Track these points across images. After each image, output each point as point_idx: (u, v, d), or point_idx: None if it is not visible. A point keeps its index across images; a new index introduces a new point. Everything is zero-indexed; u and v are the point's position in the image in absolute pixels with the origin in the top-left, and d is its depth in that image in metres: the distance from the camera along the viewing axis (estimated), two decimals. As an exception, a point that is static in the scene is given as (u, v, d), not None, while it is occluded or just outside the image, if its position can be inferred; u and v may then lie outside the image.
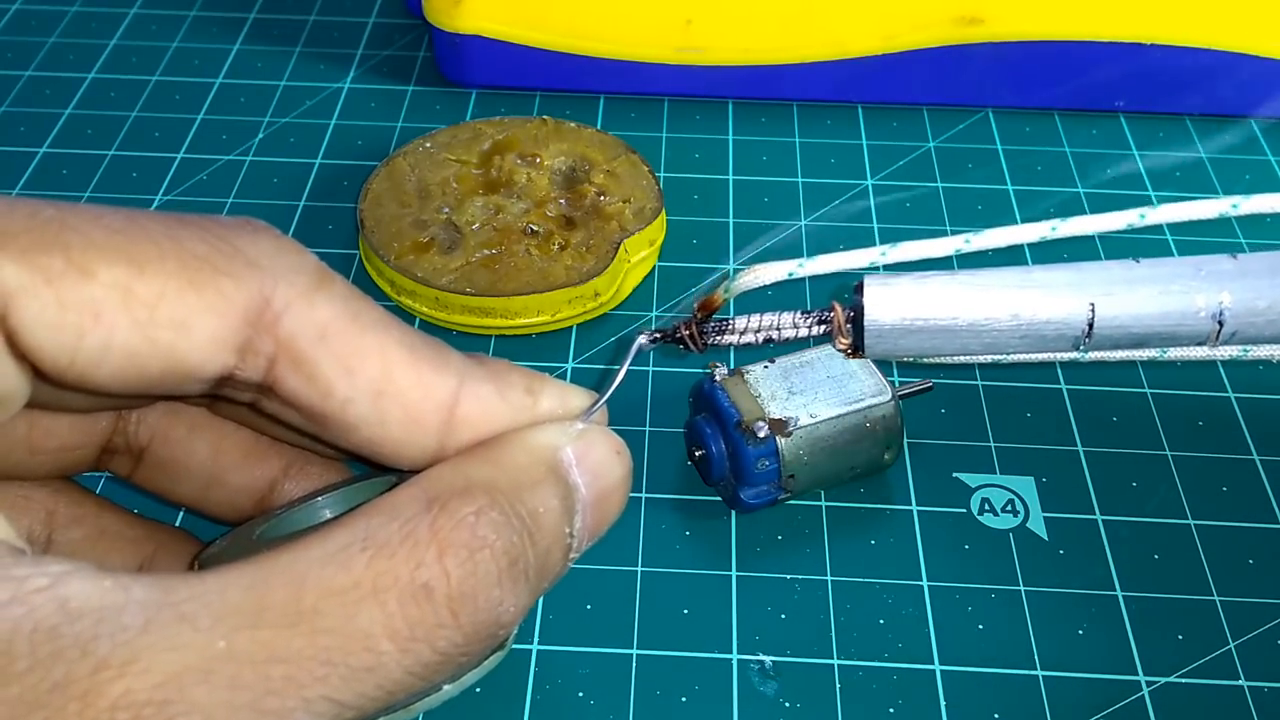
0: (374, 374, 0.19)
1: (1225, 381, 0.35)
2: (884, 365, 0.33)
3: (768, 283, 0.23)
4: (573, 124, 0.41)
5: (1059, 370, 0.35)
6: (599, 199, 0.38)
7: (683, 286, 0.38)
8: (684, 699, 0.27)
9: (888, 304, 0.22)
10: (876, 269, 0.24)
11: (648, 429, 0.33)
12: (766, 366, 0.31)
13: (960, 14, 0.42)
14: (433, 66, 0.47)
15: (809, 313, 0.23)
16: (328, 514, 0.23)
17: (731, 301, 0.23)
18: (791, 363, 0.31)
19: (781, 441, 0.29)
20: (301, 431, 0.20)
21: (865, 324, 0.22)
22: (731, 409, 0.30)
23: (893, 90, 0.44)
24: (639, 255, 0.37)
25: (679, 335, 0.24)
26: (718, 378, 0.30)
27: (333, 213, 0.40)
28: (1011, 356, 0.24)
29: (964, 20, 0.42)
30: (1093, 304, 0.22)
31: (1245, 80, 0.43)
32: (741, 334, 0.24)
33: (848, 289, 0.23)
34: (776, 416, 0.29)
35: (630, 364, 0.23)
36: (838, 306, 0.23)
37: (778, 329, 0.23)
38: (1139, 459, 0.33)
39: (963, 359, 0.24)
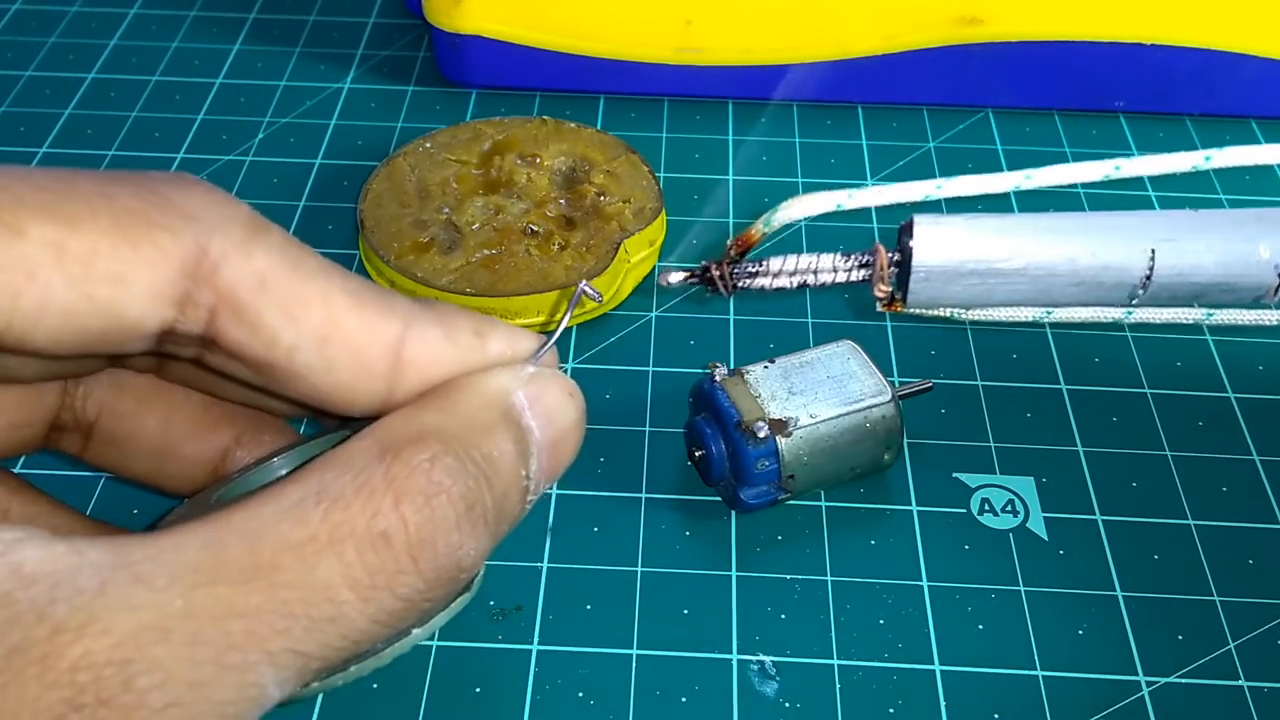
0: (317, 320, 0.19)
1: (1225, 382, 0.35)
2: (884, 365, 0.33)
3: (813, 214, 0.22)
4: (573, 124, 0.41)
5: (1059, 370, 0.35)
6: (599, 199, 0.38)
7: (683, 287, 0.38)
8: (684, 699, 0.27)
9: (938, 243, 0.21)
10: (931, 204, 0.23)
11: (648, 429, 0.33)
12: (766, 367, 0.31)
13: (960, 14, 0.42)
14: (433, 66, 0.47)
15: (850, 254, 0.22)
16: (283, 473, 0.22)
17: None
18: (791, 363, 0.31)
19: (781, 441, 0.29)
20: (250, 386, 0.20)
21: (913, 265, 0.21)
22: (731, 409, 0.30)
23: (893, 90, 0.44)
24: (639, 255, 0.37)
25: (709, 275, 0.23)
26: (717, 378, 0.30)
27: (333, 213, 0.40)
28: (1056, 314, 0.23)
29: (964, 20, 0.42)
30: (1153, 250, 0.21)
31: (1245, 80, 0.43)
32: (775, 276, 0.22)
33: (890, 238, 0.22)
34: (776, 416, 0.29)
35: (573, 309, 0.22)
36: (881, 248, 0.22)
37: (815, 272, 0.22)
38: (1139, 459, 0.33)
39: (1004, 315, 0.23)
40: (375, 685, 0.28)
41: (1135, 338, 0.36)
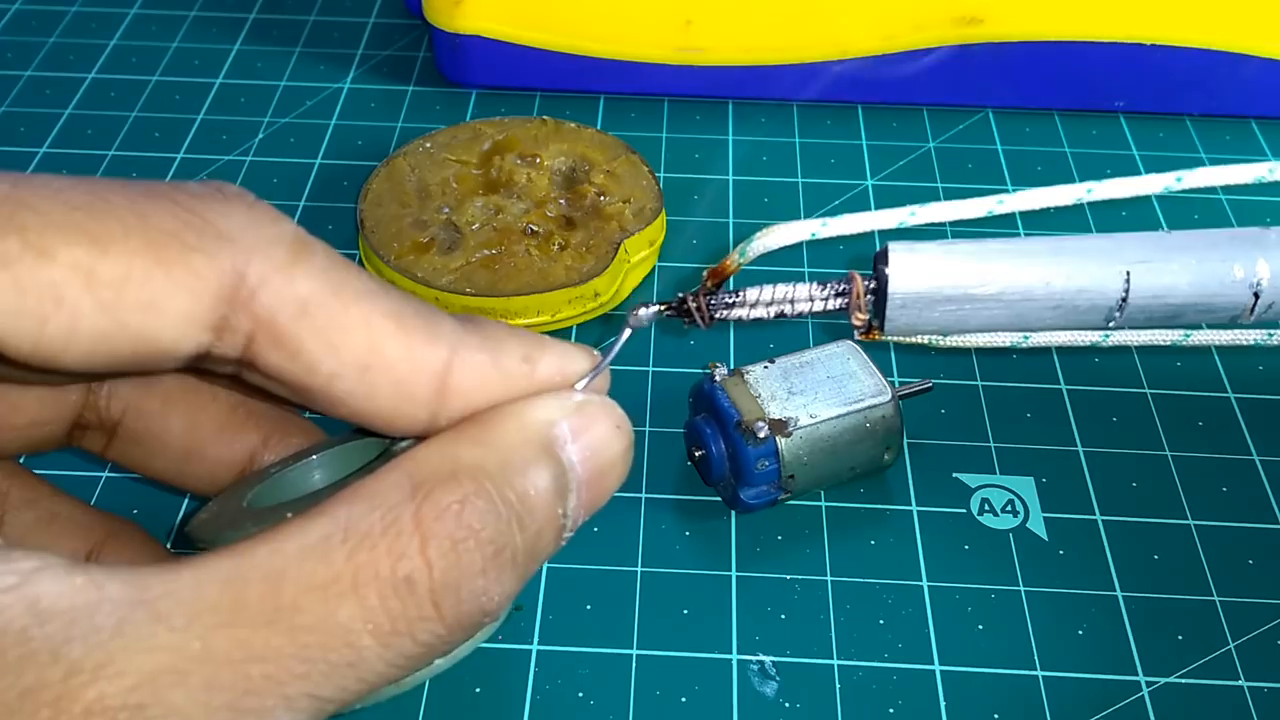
0: (359, 348, 0.18)
1: (1225, 382, 0.35)
2: (884, 365, 0.33)
3: (787, 244, 0.22)
4: (573, 124, 0.41)
5: (1059, 370, 0.35)
6: (599, 199, 0.38)
7: (683, 286, 0.38)
8: (684, 699, 0.27)
9: (913, 271, 0.21)
10: (903, 231, 0.23)
11: (648, 429, 0.33)
12: (766, 367, 0.31)
13: (960, 14, 0.42)
14: (433, 66, 0.47)
15: (826, 283, 0.22)
16: (318, 476, 0.22)
17: (729, 284, 0.22)
18: (791, 363, 0.31)
19: (781, 442, 0.29)
20: (287, 400, 0.20)
21: (889, 292, 0.21)
22: (731, 409, 0.30)
23: (893, 90, 0.44)
24: (639, 255, 0.37)
25: (685, 307, 0.23)
26: (717, 378, 0.30)
27: (333, 213, 0.40)
28: (1033, 338, 0.23)
29: (964, 20, 0.42)
30: (1128, 272, 0.21)
31: (1245, 80, 0.43)
32: (752, 306, 0.22)
33: (866, 261, 0.22)
34: (776, 417, 0.29)
35: (628, 335, 0.22)
36: (857, 277, 0.22)
37: (791, 301, 0.22)
38: (1139, 459, 0.33)
39: (982, 341, 0.23)
40: (375, 685, 0.28)
41: (1135, 338, 0.36)
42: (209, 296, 0.17)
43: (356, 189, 0.40)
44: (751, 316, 0.22)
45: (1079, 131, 0.44)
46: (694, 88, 0.45)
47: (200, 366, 0.19)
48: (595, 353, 0.21)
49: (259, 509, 0.20)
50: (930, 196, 0.41)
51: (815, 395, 0.30)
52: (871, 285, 0.22)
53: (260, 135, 0.43)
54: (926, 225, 0.23)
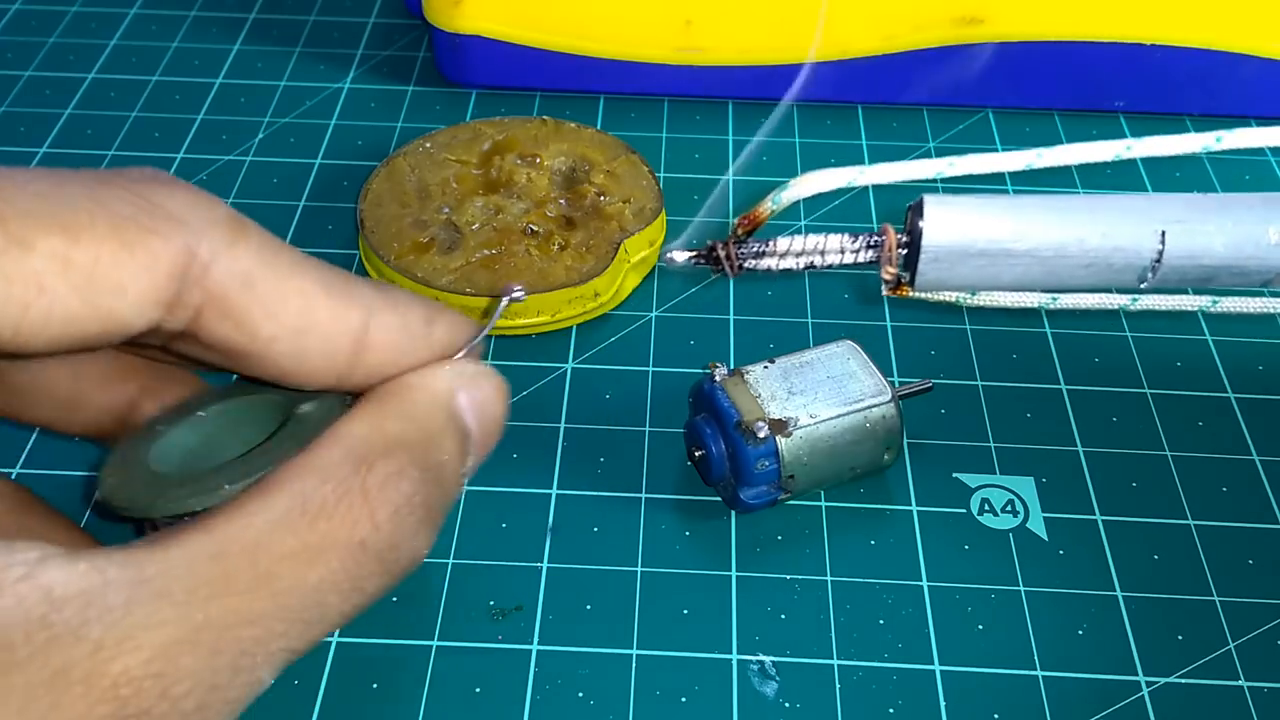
0: (296, 313, 0.20)
1: (1225, 382, 0.35)
2: (884, 365, 0.33)
3: (821, 191, 0.22)
4: (573, 124, 0.41)
5: (1059, 370, 0.35)
6: (599, 199, 0.38)
7: (683, 286, 0.38)
8: (684, 699, 0.27)
9: (948, 223, 0.21)
10: (936, 183, 0.23)
11: (648, 429, 0.33)
12: (766, 367, 0.31)
13: (960, 14, 0.42)
14: (433, 66, 0.47)
15: (858, 235, 0.22)
16: (209, 428, 0.24)
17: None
18: (791, 363, 0.31)
19: (781, 442, 0.29)
20: (201, 362, 0.22)
21: (923, 245, 0.21)
22: (731, 409, 0.30)
23: (893, 90, 0.44)
24: (639, 255, 0.37)
25: (715, 254, 0.23)
26: (717, 378, 0.30)
27: (333, 213, 0.40)
28: (1061, 300, 0.23)
29: (964, 20, 0.42)
30: (1164, 232, 0.21)
31: (1245, 80, 0.43)
32: (782, 256, 0.22)
33: (897, 216, 0.22)
34: (776, 417, 0.29)
35: (505, 306, 0.24)
36: (890, 229, 0.22)
37: (822, 252, 0.22)
38: (1139, 459, 0.33)
39: (1011, 300, 0.22)
40: (375, 685, 0.28)
41: (1135, 338, 0.36)
42: (166, 275, 0.19)
43: (356, 189, 0.40)
44: (781, 267, 0.22)
45: (1079, 131, 0.44)
46: (694, 88, 0.45)
47: (137, 340, 0.20)
48: (474, 322, 0.23)
49: (184, 478, 0.21)
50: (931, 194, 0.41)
51: (815, 395, 0.30)
52: (904, 238, 0.21)
53: (260, 135, 0.43)
54: (964, 176, 0.22)
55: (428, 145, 0.40)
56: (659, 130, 0.44)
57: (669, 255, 0.23)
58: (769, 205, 0.22)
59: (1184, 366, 0.35)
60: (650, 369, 0.35)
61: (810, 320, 0.37)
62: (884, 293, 0.22)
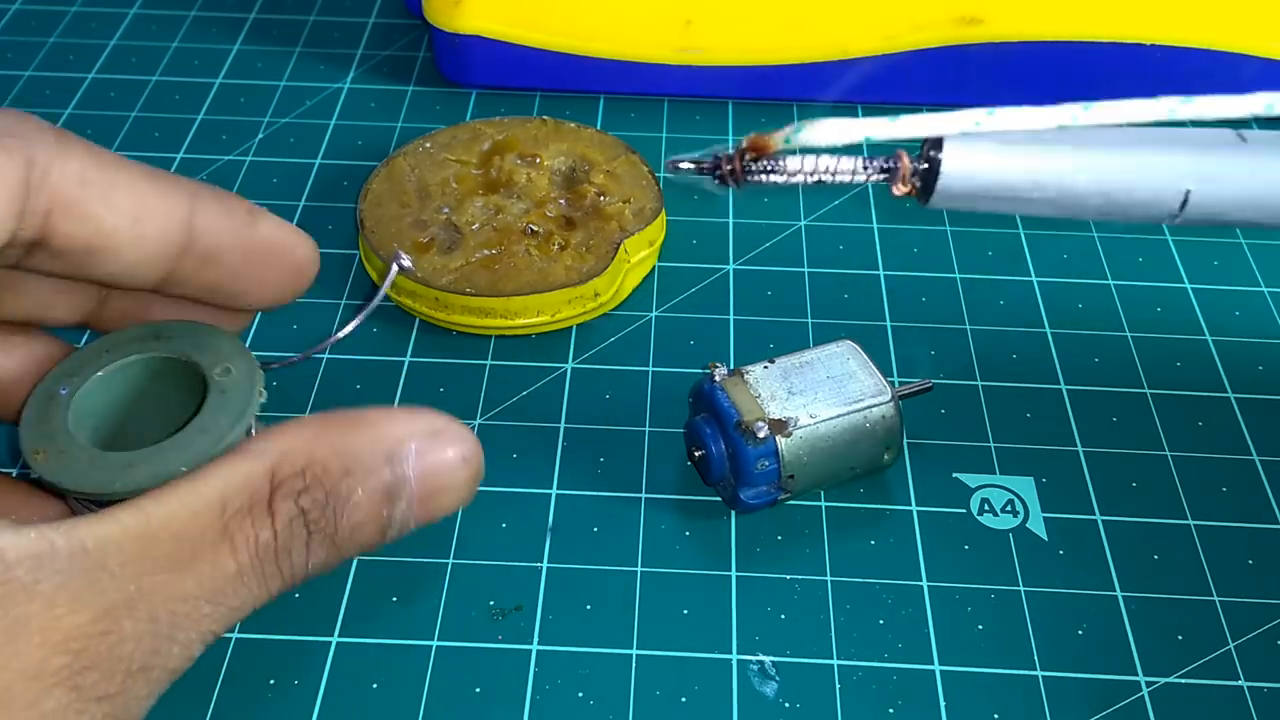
0: (129, 201, 0.23)
1: (1225, 382, 0.35)
2: (884, 365, 0.34)
3: (845, 141, 0.21)
4: (573, 124, 0.41)
5: (1059, 370, 0.35)
6: (599, 199, 0.38)
7: (683, 286, 0.38)
8: (684, 699, 0.27)
9: (969, 165, 0.20)
10: (970, 138, 0.22)
11: (647, 429, 0.33)
12: (766, 367, 0.31)
13: (960, 14, 0.42)
14: (433, 66, 0.47)
15: (873, 159, 0.22)
16: (115, 390, 0.25)
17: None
18: (791, 363, 0.31)
19: (781, 442, 0.29)
20: (47, 272, 0.24)
21: (938, 186, 0.20)
22: (731, 409, 0.30)
23: (893, 90, 0.44)
24: (639, 255, 0.37)
25: (720, 170, 0.22)
26: (717, 378, 0.30)
27: (333, 213, 0.40)
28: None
29: (964, 20, 0.42)
30: (1188, 192, 0.20)
31: (1245, 80, 0.43)
32: (791, 175, 0.22)
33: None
34: (776, 417, 0.29)
35: (395, 274, 0.27)
36: (905, 156, 0.21)
37: (834, 172, 0.22)
38: (1139, 459, 0.33)
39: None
40: (375, 685, 0.28)
41: (1135, 338, 0.36)
42: (15, 183, 0.21)
43: (356, 189, 0.40)
44: (789, 183, 0.22)
45: (1079, 131, 0.44)
46: (694, 88, 0.45)
47: None
48: (313, 243, 0.27)
49: (133, 456, 0.23)
50: (930, 196, 0.41)
51: (815, 395, 0.30)
52: (921, 167, 0.21)
53: (260, 135, 0.43)
54: (996, 134, 0.22)
55: (428, 145, 0.40)
56: (659, 130, 0.44)
57: (674, 162, 0.22)
58: (780, 138, 0.21)
59: (1184, 366, 0.35)
60: (650, 369, 0.35)
61: (810, 320, 0.37)
62: (893, 194, 0.22)
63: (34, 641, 0.18)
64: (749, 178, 0.22)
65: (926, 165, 0.20)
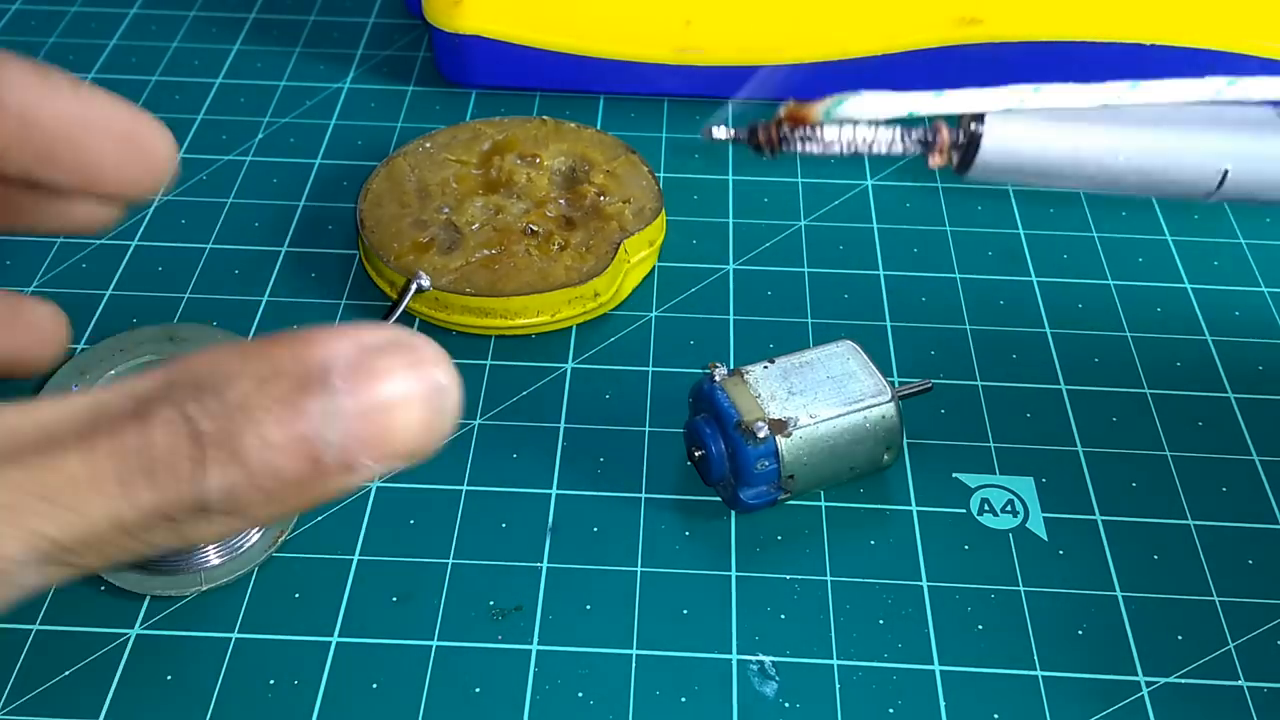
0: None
1: (1225, 382, 0.35)
2: (884, 365, 0.34)
3: (887, 115, 0.21)
4: (573, 124, 0.41)
5: (1059, 370, 0.35)
6: (599, 199, 0.38)
7: (683, 286, 0.38)
8: (684, 699, 0.27)
9: (1006, 141, 0.20)
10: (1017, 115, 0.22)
11: (647, 429, 0.33)
12: (766, 367, 0.31)
13: (960, 14, 0.42)
14: (433, 66, 0.47)
15: (911, 130, 0.21)
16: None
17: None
18: (791, 363, 0.31)
19: (781, 442, 0.29)
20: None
21: (977, 161, 0.20)
22: (731, 409, 0.30)
23: (893, 90, 0.44)
24: (639, 255, 0.37)
25: (756, 138, 0.22)
26: (717, 378, 0.30)
27: (333, 213, 0.40)
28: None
29: (964, 20, 0.42)
30: (1225, 171, 0.20)
31: (1245, 80, 0.43)
32: (828, 145, 0.22)
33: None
34: (776, 417, 0.29)
35: (414, 293, 0.26)
36: (944, 129, 0.21)
37: (870, 143, 0.21)
38: (1139, 459, 0.33)
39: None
40: (375, 685, 0.28)
41: (1135, 338, 0.36)
42: None
43: (356, 189, 0.40)
44: (826, 153, 0.22)
45: (1079, 131, 0.44)
46: (694, 88, 0.45)
47: None
48: (157, 122, 0.25)
49: None
50: (931, 195, 0.41)
51: (815, 395, 0.30)
52: (958, 138, 0.21)
53: (260, 135, 0.43)
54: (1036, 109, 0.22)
55: (427, 145, 0.40)
56: (659, 130, 0.44)
57: (709, 129, 0.22)
58: (820, 111, 0.21)
59: (1184, 366, 0.35)
60: (650, 369, 0.35)
61: (810, 320, 0.37)
62: (929, 165, 0.22)
63: None
64: (785, 146, 0.22)
65: (966, 139, 0.20)
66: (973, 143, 0.21)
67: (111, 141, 0.24)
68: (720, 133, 0.22)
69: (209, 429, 0.18)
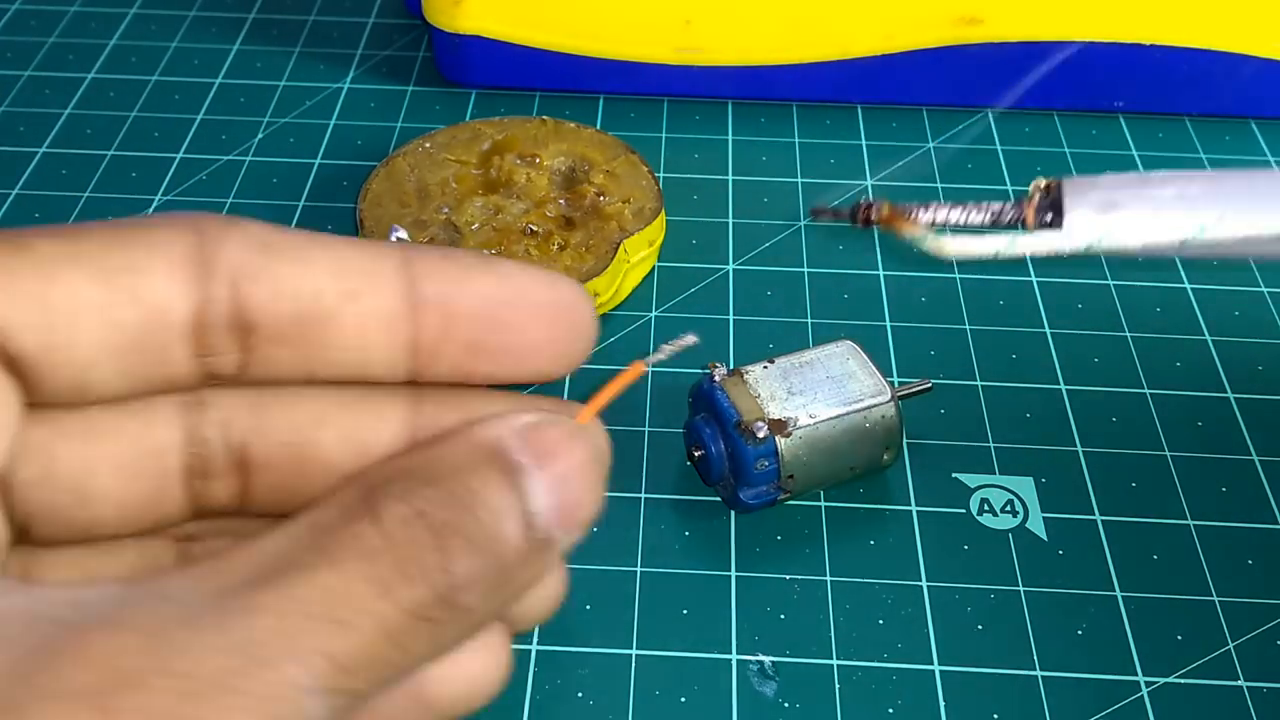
0: (327, 260, 0.19)
1: (1225, 382, 0.35)
2: (884, 365, 0.33)
3: (973, 255, 0.23)
4: (572, 124, 0.41)
5: (1059, 370, 0.35)
6: (598, 199, 0.38)
7: (682, 286, 0.38)
8: (683, 699, 0.27)
9: (1090, 229, 0.22)
10: (1084, 255, 0.23)
11: (647, 429, 0.33)
12: (766, 367, 0.31)
13: (960, 14, 0.42)
14: (432, 66, 0.47)
15: (1003, 207, 0.23)
16: None
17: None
18: (791, 363, 0.31)
19: (781, 442, 0.29)
20: (289, 380, 0.20)
21: (1057, 246, 0.22)
22: (731, 409, 0.30)
23: (892, 90, 0.44)
24: (638, 255, 0.37)
25: (860, 217, 0.24)
26: (717, 378, 0.30)
27: (333, 213, 0.40)
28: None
29: (964, 20, 0.42)
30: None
31: (1245, 80, 0.43)
32: (926, 227, 0.24)
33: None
34: (776, 417, 0.29)
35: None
36: (1031, 212, 0.23)
37: (964, 224, 0.23)
38: (1138, 459, 0.33)
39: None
40: (375, 685, 0.28)
41: (1134, 338, 0.36)
42: (180, 254, 0.18)
43: (356, 189, 0.40)
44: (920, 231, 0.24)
45: (1078, 132, 0.44)
46: (694, 88, 0.45)
47: (209, 370, 0.19)
48: (575, 284, 0.21)
49: None
50: (930, 196, 0.41)
51: (815, 395, 0.30)
52: (1047, 216, 0.22)
53: (260, 135, 0.43)
54: (1115, 249, 0.23)
55: (427, 145, 0.40)
56: (659, 130, 0.44)
57: (816, 211, 0.24)
58: (911, 228, 0.23)
59: (1184, 366, 0.35)
60: (649, 369, 0.35)
61: (810, 320, 0.37)
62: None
63: (64, 662, 0.15)
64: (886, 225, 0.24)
65: (1051, 210, 0.23)
66: (1056, 217, 0.22)
67: (534, 318, 0.21)
68: (826, 215, 0.24)
69: (443, 518, 0.18)
